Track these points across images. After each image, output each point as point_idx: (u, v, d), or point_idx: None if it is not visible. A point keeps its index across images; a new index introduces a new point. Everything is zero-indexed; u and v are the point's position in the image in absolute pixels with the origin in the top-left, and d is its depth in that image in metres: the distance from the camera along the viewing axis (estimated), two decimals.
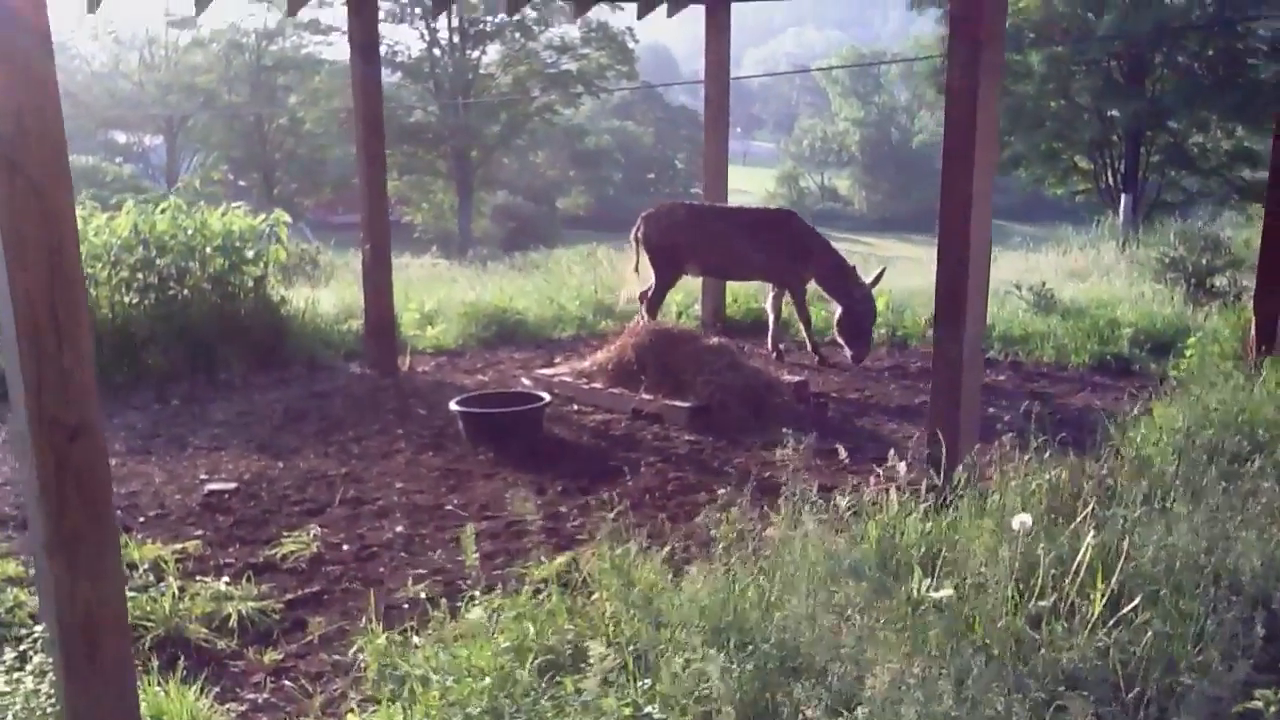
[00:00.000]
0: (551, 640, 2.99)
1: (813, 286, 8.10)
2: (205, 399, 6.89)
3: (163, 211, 7.70)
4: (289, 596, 3.87)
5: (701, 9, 8.96)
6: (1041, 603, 2.93)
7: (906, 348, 8.78)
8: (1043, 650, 2.74)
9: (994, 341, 8.24)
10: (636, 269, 8.27)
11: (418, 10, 33.35)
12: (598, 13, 27.95)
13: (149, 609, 3.50)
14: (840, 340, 7.88)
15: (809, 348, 8.15)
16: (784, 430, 3.84)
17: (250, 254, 7.82)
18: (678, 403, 6.35)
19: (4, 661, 2.65)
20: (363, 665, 3.19)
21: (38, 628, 2.76)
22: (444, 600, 3.33)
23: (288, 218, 8.15)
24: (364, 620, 3.43)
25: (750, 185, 42.03)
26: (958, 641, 2.76)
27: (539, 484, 5.16)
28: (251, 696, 3.17)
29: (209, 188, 23.87)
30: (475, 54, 35.74)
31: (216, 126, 35.05)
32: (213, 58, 34.54)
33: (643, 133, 53.27)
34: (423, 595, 3.61)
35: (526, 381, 7.32)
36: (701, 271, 8.48)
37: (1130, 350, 8.02)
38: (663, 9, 8.98)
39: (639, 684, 2.74)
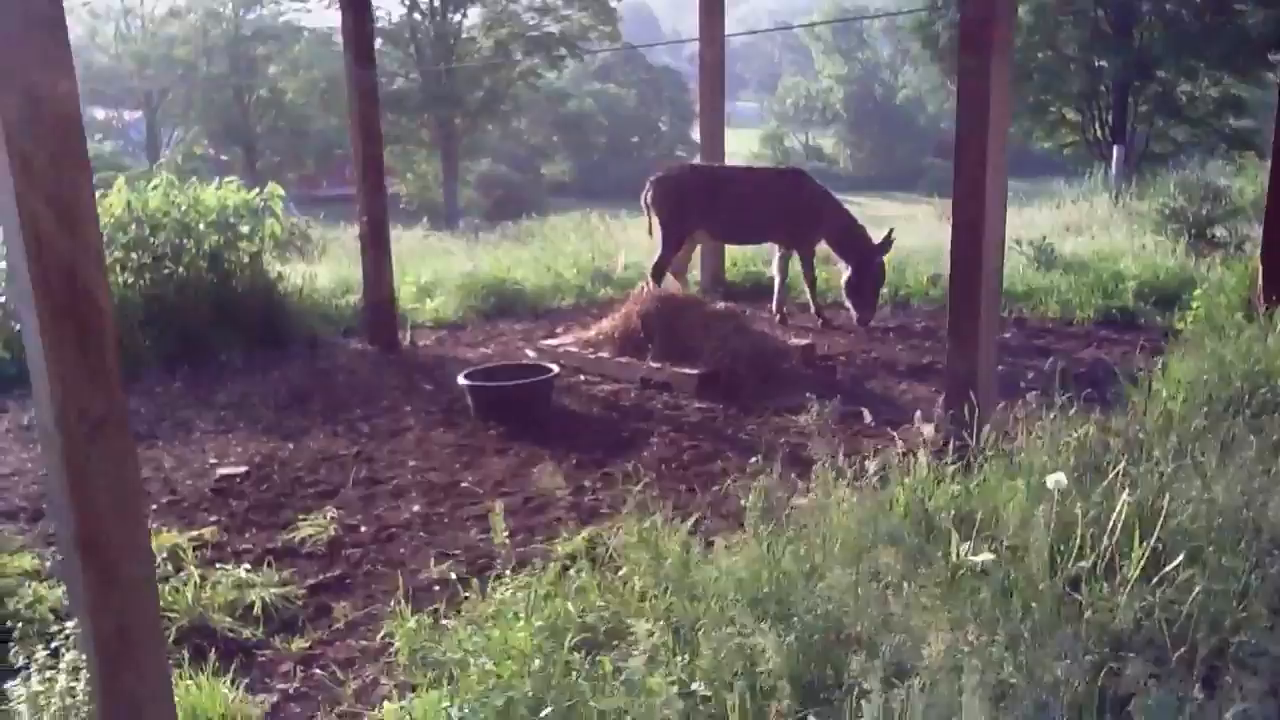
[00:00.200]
0: (589, 618, 2.94)
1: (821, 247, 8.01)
2: (207, 380, 6.77)
3: (154, 188, 7.52)
4: (311, 581, 3.80)
5: None
6: (1081, 564, 2.90)
7: (909, 306, 8.74)
8: (1088, 613, 2.71)
9: None
10: (650, 232, 8.04)
11: None
12: None
13: (172, 599, 3.43)
14: (847, 302, 7.82)
15: (812, 310, 8.08)
16: (806, 395, 3.79)
17: (245, 229, 7.68)
18: (686, 370, 6.28)
19: (37, 660, 2.58)
20: (394, 650, 3.15)
21: (68, 624, 2.69)
22: (473, 580, 3.27)
23: (282, 191, 8.00)
24: (390, 603, 3.38)
25: (735, 146, 41.38)
26: (1006, 606, 2.72)
27: (554, 457, 5.10)
28: (282, 687, 3.11)
29: (190, 163, 23.55)
30: (456, 17, 35.25)
31: (196, 100, 34.55)
32: (190, 28, 34.01)
33: (625, 95, 52.79)
34: (451, 575, 3.55)
35: (531, 353, 7.24)
36: (711, 236, 8.27)
37: (1135, 303, 7.98)
38: None
39: (677, 659, 2.69)
